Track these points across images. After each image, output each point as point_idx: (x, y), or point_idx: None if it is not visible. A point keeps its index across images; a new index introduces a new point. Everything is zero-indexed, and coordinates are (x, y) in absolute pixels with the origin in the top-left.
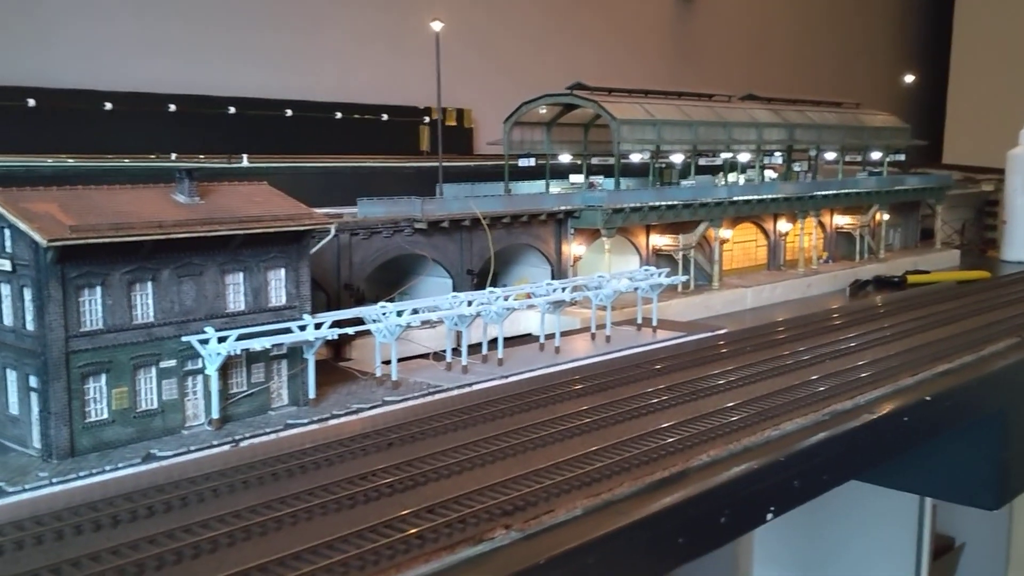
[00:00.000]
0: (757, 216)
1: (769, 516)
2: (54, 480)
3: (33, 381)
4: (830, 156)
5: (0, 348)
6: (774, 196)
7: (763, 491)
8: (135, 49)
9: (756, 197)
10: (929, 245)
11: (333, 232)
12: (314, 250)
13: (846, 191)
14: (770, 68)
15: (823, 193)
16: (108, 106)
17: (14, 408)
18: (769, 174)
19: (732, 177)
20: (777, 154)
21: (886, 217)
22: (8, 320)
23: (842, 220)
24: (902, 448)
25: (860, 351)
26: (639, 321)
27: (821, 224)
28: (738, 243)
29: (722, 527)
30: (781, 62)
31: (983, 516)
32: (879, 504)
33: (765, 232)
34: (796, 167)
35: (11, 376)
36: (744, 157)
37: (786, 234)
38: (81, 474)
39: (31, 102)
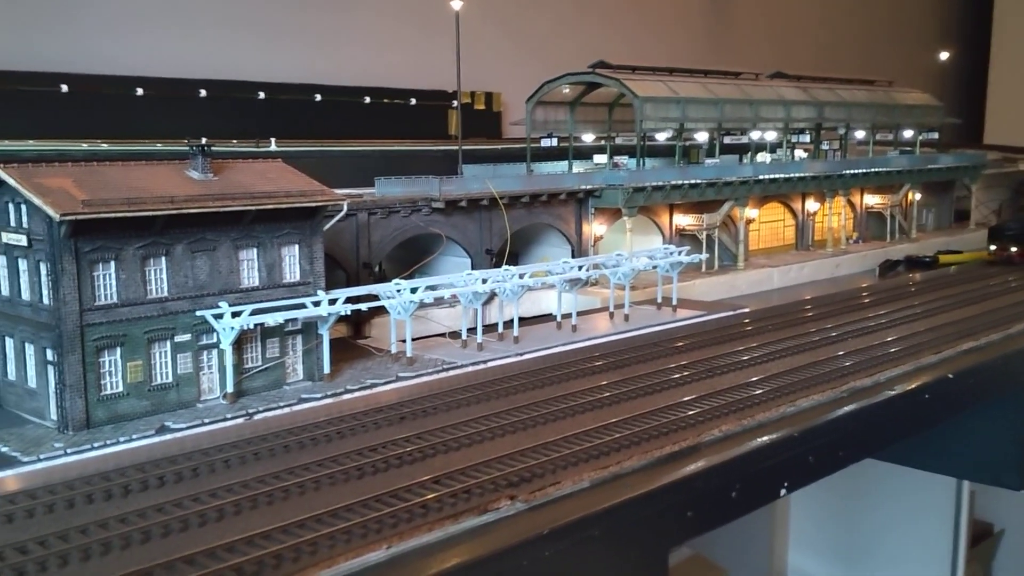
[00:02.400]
0: (784, 195)
1: (783, 492)
2: (68, 451)
3: (49, 354)
4: (860, 135)
5: (18, 322)
6: (802, 175)
7: (776, 466)
8: (166, 35)
9: (783, 176)
10: (964, 226)
11: (345, 209)
12: (328, 227)
13: (876, 170)
14: (801, 47)
15: (853, 172)
16: (140, 91)
17: (32, 381)
18: (798, 153)
19: (759, 156)
20: (806, 133)
21: (918, 197)
22: (26, 294)
23: (872, 200)
24: (923, 426)
25: (885, 329)
26: (659, 300)
27: (851, 204)
28: (765, 223)
29: (733, 501)
30: (812, 41)
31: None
32: (915, 489)
33: (793, 212)
34: (825, 146)
35: (29, 350)
36: (771, 136)
37: (814, 214)
38: (95, 445)
39: (64, 88)
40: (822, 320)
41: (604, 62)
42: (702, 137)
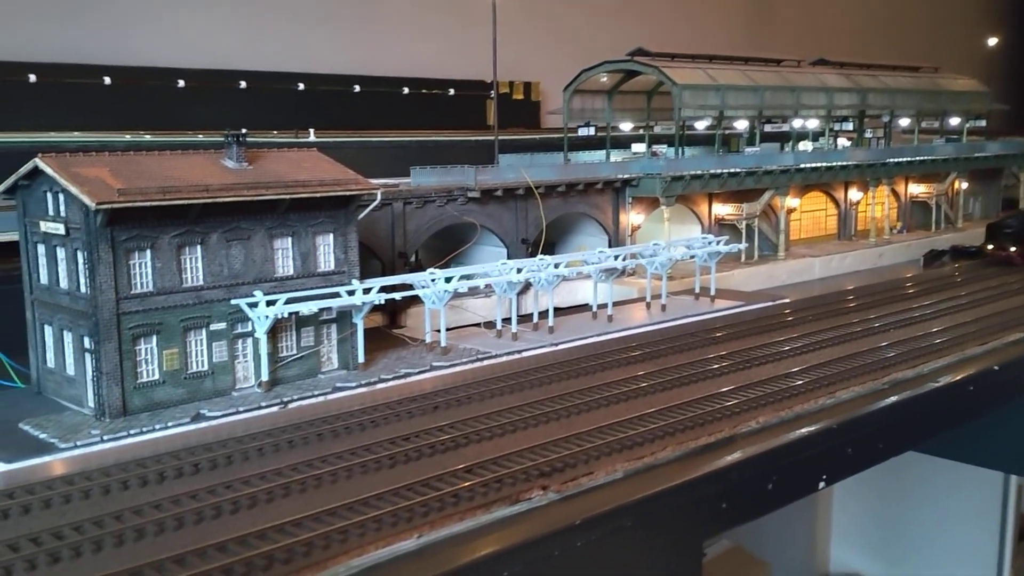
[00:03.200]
0: (826, 184)
1: (821, 484)
2: (105, 437)
3: (87, 342)
4: (905, 122)
5: (57, 310)
6: (844, 163)
7: (814, 458)
8: (207, 27)
9: (825, 164)
10: (1012, 215)
11: (379, 198)
12: (362, 216)
13: (921, 158)
14: (844, 34)
15: (897, 160)
16: (181, 83)
17: (70, 369)
18: (840, 141)
19: (800, 144)
20: (849, 120)
21: (964, 185)
22: (64, 283)
23: (917, 188)
24: (968, 419)
25: (929, 320)
26: (697, 291)
27: (895, 193)
28: (806, 212)
29: (769, 493)
30: (856, 28)
31: None
32: (961, 483)
33: (835, 201)
34: (869, 133)
35: (67, 338)
36: (813, 123)
37: (857, 203)
38: (131, 432)
39: (107, 80)
40: (864, 311)
41: (642, 50)
42: (742, 125)
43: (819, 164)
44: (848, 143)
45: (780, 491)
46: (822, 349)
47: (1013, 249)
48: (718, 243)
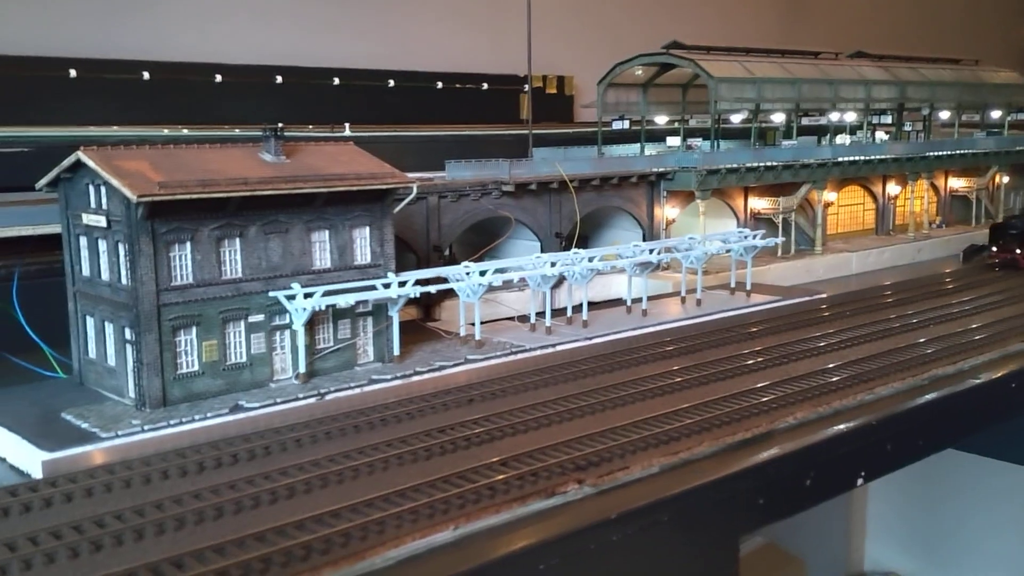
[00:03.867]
0: (864, 178)
1: (859, 481)
2: (145, 428)
3: (128, 333)
4: (945, 115)
5: (98, 302)
6: (883, 157)
7: (853, 454)
8: (244, 22)
9: (863, 158)
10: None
11: (415, 191)
12: (398, 209)
13: (962, 152)
14: (883, 27)
15: (937, 154)
16: (219, 78)
17: (111, 359)
18: (879, 135)
19: (838, 138)
20: (888, 114)
21: (1006, 180)
22: (105, 275)
23: (957, 183)
24: (1008, 416)
25: (969, 316)
26: (732, 285)
27: (934, 187)
28: (844, 206)
29: (807, 490)
30: (895, 21)
31: None
32: (1001, 481)
33: (873, 195)
34: (908, 127)
35: (109, 329)
36: (851, 117)
37: (896, 197)
38: (171, 422)
39: (146, 75)
40: (903, 306)
41: (678, 43)
42: (779, 118)
43: (857, 158)
44: (886, 136)
45: (818, 487)
46: (860, 345)
47: (1019, 251)
48: (754, 237)
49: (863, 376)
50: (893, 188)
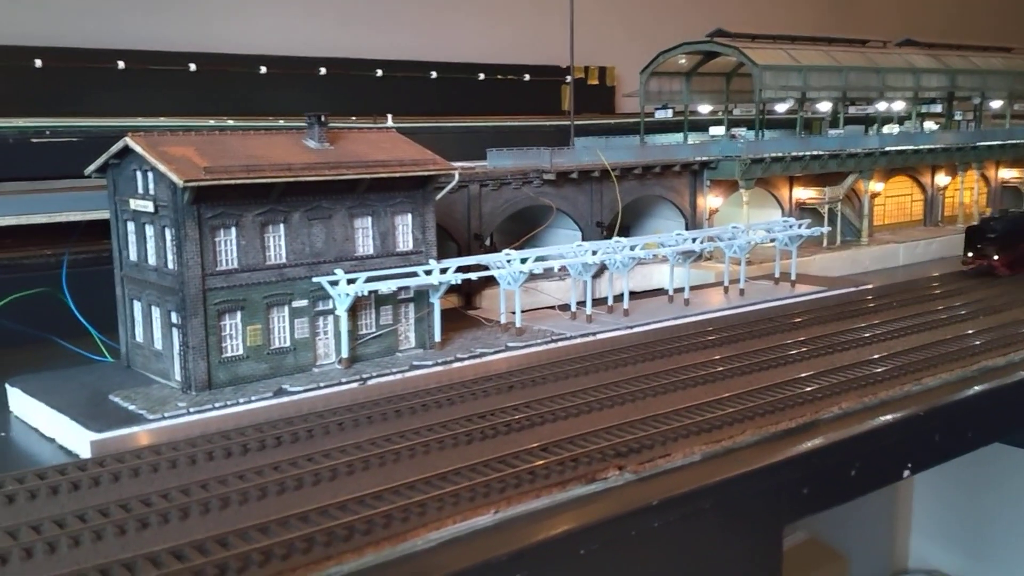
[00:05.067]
0: (912, 168)
1: (906, 472)
2: (191, 410)
3: (174, 317)
4: (996, 104)
5: (145, 286)
6: (931, 147)
7: (899, 446)
8: (289, 14)
9: (911, 148)
10: (996, 216)
11: (457, 178)
12: (440, 196)
13: (1013, 142)
14: (933, 15)
15: (988, 144)
16: (263, 69)
17: (158, 343)
18: (928, 124)
19: (885, 127)
20: (937, 103)
21: None
22: (152, 259)
23: (1008, 173)
24: None
25: (1019, 307)
26: (776, 275)
27: (984, 177)
28: (891, 197)
29: (852, 480)
30: (945, 8)
31: None
32: None
33: (921, 186)
34: (958, 116)
35: (155, 313)
36: (899, 106)
37: (945, 188)
38: (216, 405)
39: (192, 67)
40: (951, 297)
41: (722, 30)
42: (825, 107)
43: (905, 147)
44: (935, 126)
45: (864, 478)
46: (907, 336)
47: (996, 257)
48: (800, 226)
49: (910, 367)
50: (942, 179)
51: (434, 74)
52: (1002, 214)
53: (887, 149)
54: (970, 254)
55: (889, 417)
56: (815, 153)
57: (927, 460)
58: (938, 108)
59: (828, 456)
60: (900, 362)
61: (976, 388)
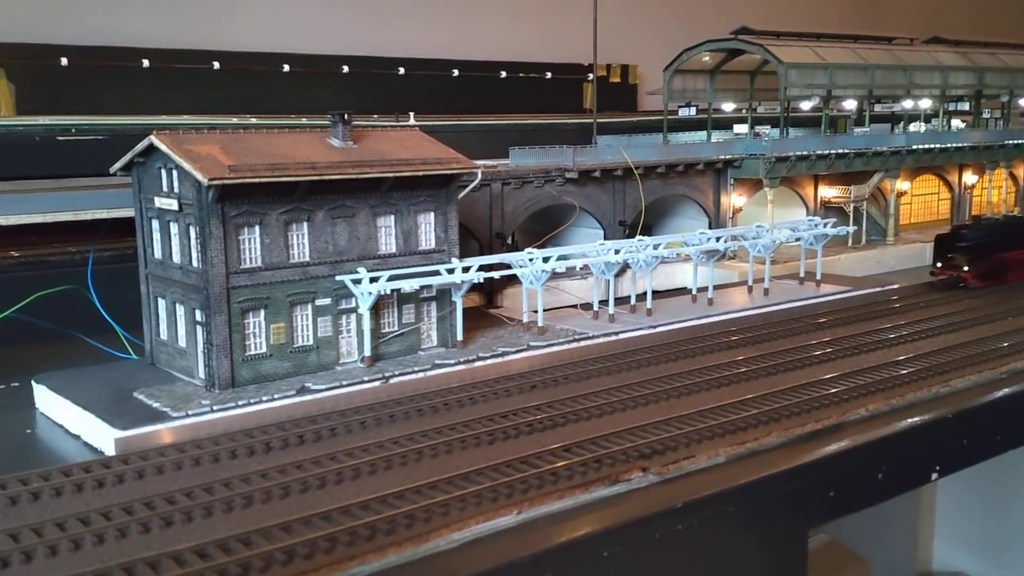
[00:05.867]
0: (939, 167)
1: (934, 476)
2: (215, 408)
3: (198, 315)
4: None
5: (170, 284)
6: (959, 145)
7: (927, 449)
8: (311, 13)
9: (938, 146)
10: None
11: (480, 177)
12: (462, 195)
13: None
14: (959, 12)
15: (1016, 142)
16: (286, 68)
17: (182, 341)
18: (955, 123)
19: (912, 126)
20: (964, 100)
21: None
22: (176, 257)
23: None
24: None
25: None
26: (801, 275)
27: (1012, 176)
28: (917, 196)
29: (879, 483)
30: (974, 5)
31: None
32: None
33: (948, 184)
34: (986, 114)
35: (179, 311)
36: (926, 103)
37: (972, 187)
38: (240, 403)
39: (216, 65)
40: (978, 298)
41: (747, 28)
42: (850, 105)
43: (932, 146)
44: (962, 124)
45: (891, 481)
46: (934, 336)
47: (967, 268)
48: (825, 225)
49: (937, 368)
50: (970, 178)
51: (456, 72)
52: (975, 221)
53: (914, 147)
54: (939, 264)
55: (917, 419)
56: (840, 151)
57: (955, 463)
58: (965, 106)
59: (854, 459)
60: (927, 363)
61: (1004, 391)
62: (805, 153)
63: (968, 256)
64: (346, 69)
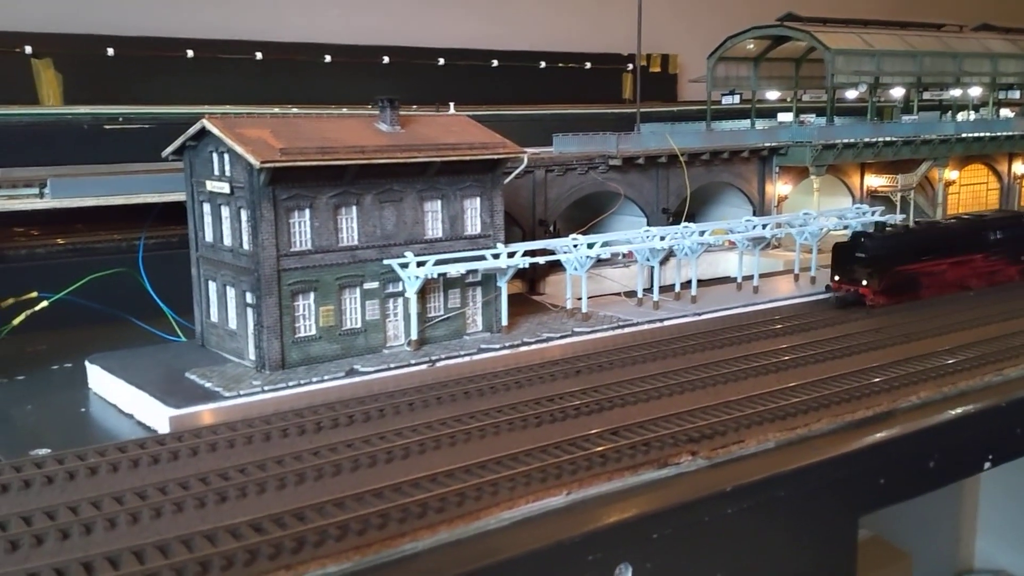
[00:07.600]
0: (989, 156)
1: (987, 465)
2: (265, 388)
3: (249, 297)
4: None
5: (221, 267)
6: (1009, 134)
7: (979, 437)
8: (353, 4)
9: (988, 135)
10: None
11: (525, 161)
12: (508, 179)
13: None
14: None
15: None
16: (328, 58)
17: (232, 323)
18: (1005, 111)
19: (960, 114)
20: (1015, 88)
21: None
22: (227, 240)
23: None
24: None
25: None
26: None
27: None
28: (966, 185)
29: (930, 472)
30: None
31: None
32: None
33: (998, 174)
34: None
35: (230, 293)
36: (975, 91)
37: (1022, 176)
38: (290, 384)
39: (259, 55)
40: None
41: (793, 14)
42: (898, 93)
43: (982, 134)
44: (1012, 113)
45: (942, 470)
46: (985, 325)
47: (866, 283)
48: (873, 213)
49: (990, 357)
50: (1020, 167)
51: (495, 63)
52: (878, 229)
53: (963, 136)
54: (836, 278)
55: (970, 407)
56: (888, 139)
57: (1009, 453)
58: (1016, 94)
59: (905, 446)
60: (979, 351)
61: None
62: (852, 141)
63: (868, 269)
64: (387, 60)
